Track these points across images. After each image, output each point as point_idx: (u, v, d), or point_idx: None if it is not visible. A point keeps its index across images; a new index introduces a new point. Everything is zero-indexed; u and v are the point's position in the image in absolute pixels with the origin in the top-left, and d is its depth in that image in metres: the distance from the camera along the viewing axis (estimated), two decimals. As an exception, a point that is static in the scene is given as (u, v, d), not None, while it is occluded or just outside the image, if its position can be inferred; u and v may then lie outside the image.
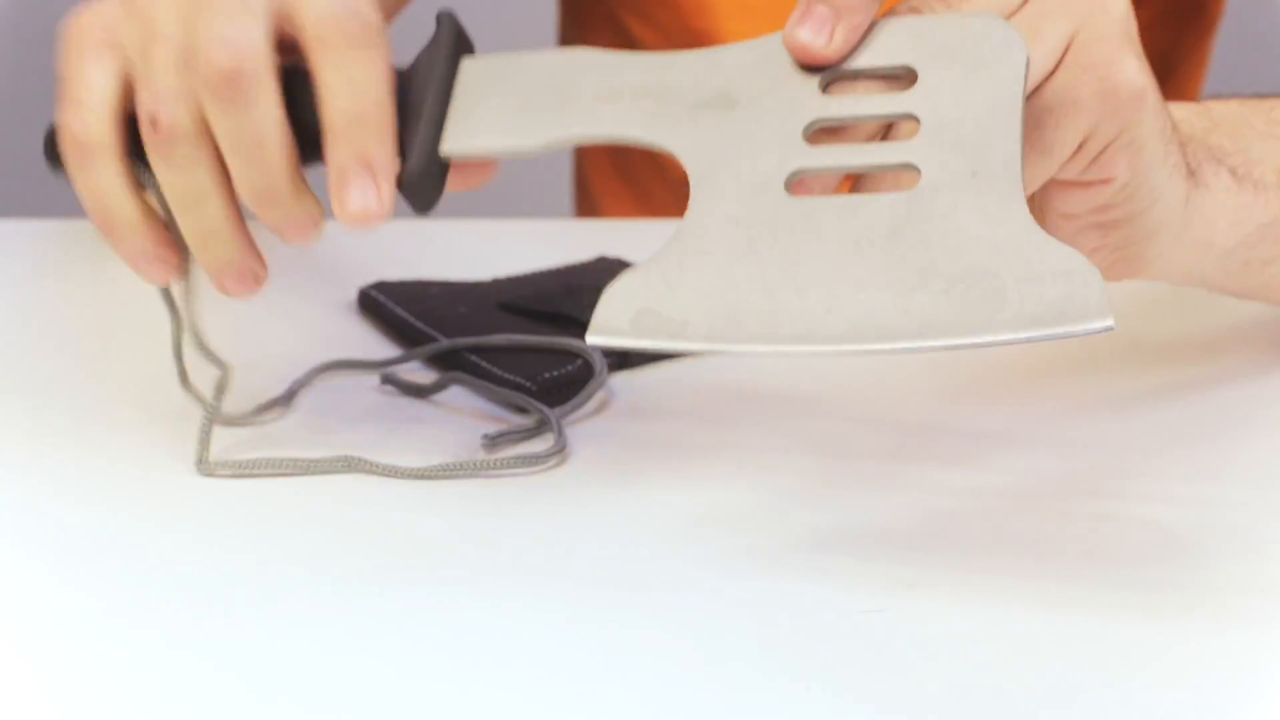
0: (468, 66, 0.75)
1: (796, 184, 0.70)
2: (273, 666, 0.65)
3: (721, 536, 0.72)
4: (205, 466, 0.77)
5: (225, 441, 0.80)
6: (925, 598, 0.68)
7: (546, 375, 0.84)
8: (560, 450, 0.78)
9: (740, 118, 0.71)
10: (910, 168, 0.68)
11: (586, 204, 1.31)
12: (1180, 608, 0.68)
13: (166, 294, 0.79)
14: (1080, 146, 0.73)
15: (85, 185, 0.74)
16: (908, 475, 0.77)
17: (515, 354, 0.86)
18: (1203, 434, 0.82)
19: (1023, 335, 0.65)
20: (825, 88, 0.71)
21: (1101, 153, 0.73)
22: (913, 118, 0.69)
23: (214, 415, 0.79)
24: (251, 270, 0.74)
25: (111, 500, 0.76)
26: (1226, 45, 1.27)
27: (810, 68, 0.71)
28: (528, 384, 0.84)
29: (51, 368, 0.88)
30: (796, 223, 0.68)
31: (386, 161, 0.72)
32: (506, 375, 0.84)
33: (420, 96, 0.74)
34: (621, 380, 0.86)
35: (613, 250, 0.98)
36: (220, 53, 0.70)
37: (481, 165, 0.75)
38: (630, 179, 1.24)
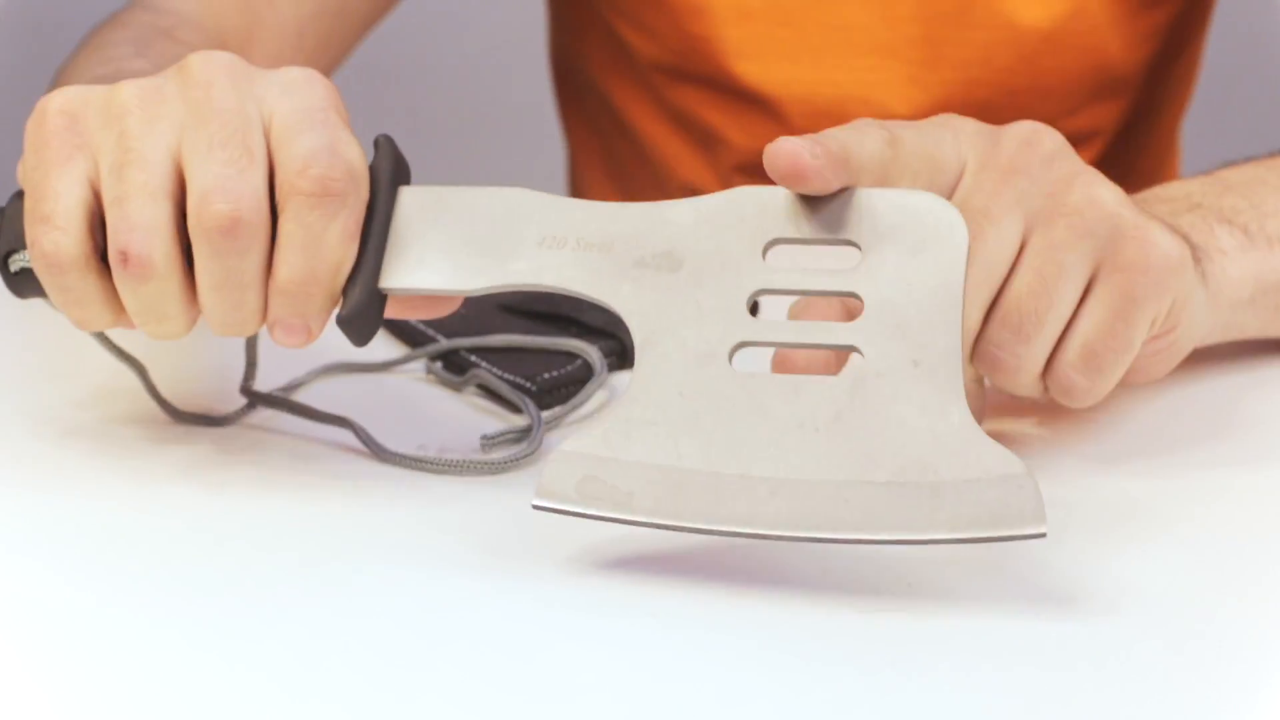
0: (406, 198, 0.74)
1: (777, 362, 0.72)
2: (257, 650, 0.65)
3: (712, 538, 0.72)
4: (247, 389, 0.81)
5: (223, 436, 0.80)
6: (925, 598, 0.68)
7: (546, 375, 0.84)
8: (530, 455, 0.78)
9: (685, 281, 0.71)
10: (853, 349, 0.69)
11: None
12: (1178, 603, 0.68)
13: (120, 351, 0.80)
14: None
15: (60, 298, 0.73)
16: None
17: (515, 354, 0.86)
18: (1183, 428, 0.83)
19: (957, 536, 0.66)
20: (766, 254, 0.71)
21: (1165, 319, 0.77)
22: (855, 296, 0.70)
23: (255, 341, 0.81)
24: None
25: (101, 496, 0.76)
26: (1227, 45, 1.27)
27: (754, 234, 0.71)
28: (528, 384, 0.84)
29: (46, 366, 0.88)
30: (741, 399, 0.69)
31: (323, 318, 0.73)
32: (506, 376, 0.85)
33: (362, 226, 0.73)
34: (621, 380, 0.86)
35: (611, 252, 0.98)
36: (223, 202, 0.70)
37: (443, 298, 0.75)
38: (624, 184, 1.24)
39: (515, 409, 0.83)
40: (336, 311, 0.73)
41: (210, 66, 0.72)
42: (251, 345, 0.81)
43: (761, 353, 0.72)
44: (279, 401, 0.82)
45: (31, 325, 0.92)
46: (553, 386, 0.84)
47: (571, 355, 0.86)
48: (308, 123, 0.71)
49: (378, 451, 0.78)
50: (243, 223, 0.70)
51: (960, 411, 0.67)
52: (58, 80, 0.96)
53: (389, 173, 0.74)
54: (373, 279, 0.72)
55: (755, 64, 1.14)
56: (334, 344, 0.89)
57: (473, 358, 0.86)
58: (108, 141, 0.72)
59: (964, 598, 0.68)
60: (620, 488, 0.68)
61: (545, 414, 0.82)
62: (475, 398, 0.85)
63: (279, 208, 0.71)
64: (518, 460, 0.78)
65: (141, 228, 0.70)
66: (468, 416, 0.83)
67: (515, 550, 0.71)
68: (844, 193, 0.71)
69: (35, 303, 0.76)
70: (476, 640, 0.66)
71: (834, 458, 0.67)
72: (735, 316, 0.70)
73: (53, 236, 0.71)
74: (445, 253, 0.73)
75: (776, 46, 1.14)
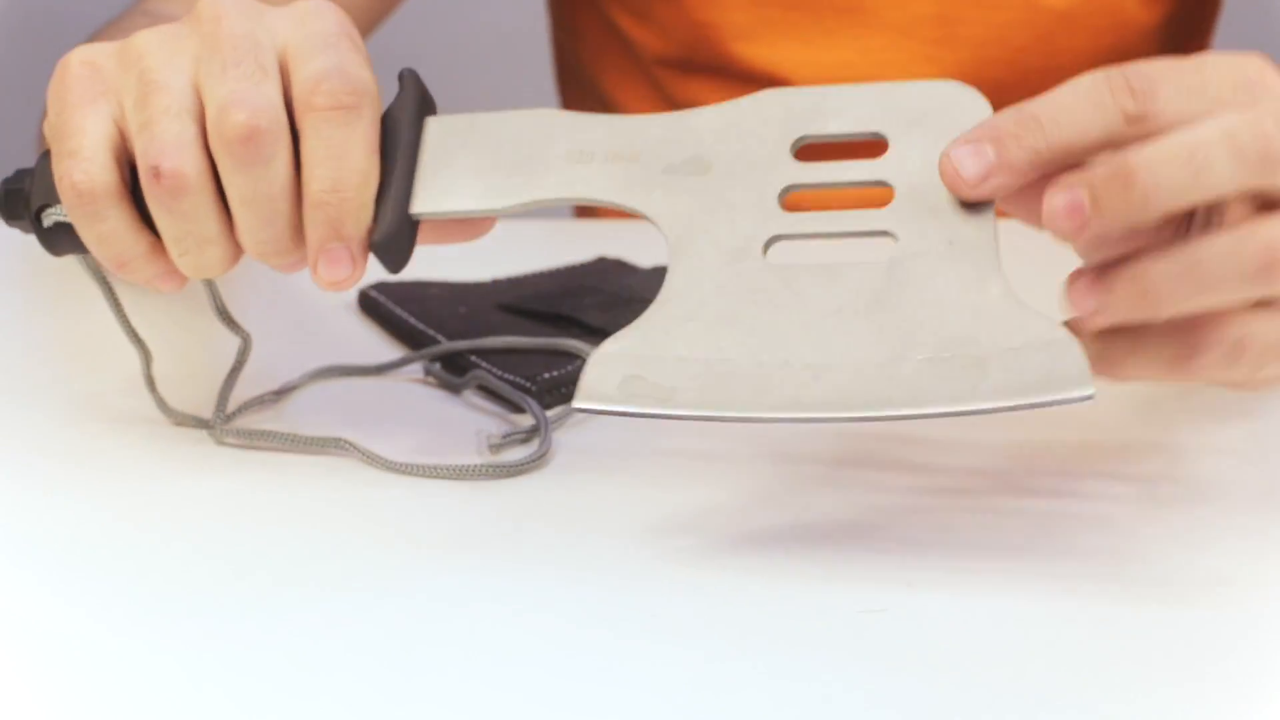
0: (433, 126, 0.75)
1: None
2: (260, 662, 0.65)
3: (717, 537, 0.72)
4: (217, 432, 0.80)
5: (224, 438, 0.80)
6: (925, 598, 0.68)
7: (546, 375, 0.84)
8: (541, 456, 0.78)
9: (714, 183, 0.71)
10: (887, 235, 0.69)
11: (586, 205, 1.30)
12: (1175, 602, 0.68)
13: (133, 332, 0.80)
14: None
15: (94, 233, 0.74)
16: (903, 477, 0.77)
17: (515, 355, 0.86)
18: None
19: (1006, 404, 0.66)
20: (796, 152, 0.71)
21: None
22: (885, 184, 0.70)
23: (233, 381, 0.81)
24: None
25: (98, 500, 0.76)
26: (1228, 45, 1.27)
27: (781, 133, 0.71)
28: (528, 384, 0.84)
29: (46, 367, 0.88)
30: (778, 290, 0.69)
31: (361, 232, 0.73)
32: (506, 376, 0.84)
33: (389, 156, 0.73)
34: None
35: (612, 251, 0.98)
36: (241, 112, 0.71)
37: (476, 221, 0.75)
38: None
39: (516, 409, 0.83)
40: (371, 238, 0.73)
41: (220, 3, 0.74)
42: (226, 387, 0.81)
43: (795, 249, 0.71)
44: (257, 435, 0.80)
45: (33, 328, 0.92)
46: (553, 386, 0.84)
47: (571, 355, 0.86)
48: (319, 46, 0.73)
49: (382, 465, 0.78)
50: (261, 130, 0.71)
51: (999, 283, 0.68)
52: None
53: (414, 102, 0.74)
54: (403, 202, 0.73)
55: (767, 47, 1.14)
56: (332, 345, 0.89)
57: (472, 358, 0.86)
58: (129, 81, 0.73)
59: (963, 598, 0.68)
60: (663, 384, 0.68)
61: (548, 413, 0.82)
62: (475, 398, 0.85)
63: (299, 128, 0.72)
64: (533, 462, 0.78)
65: (170, 143, 0.72)
66: (468, 418, 0.83)
67: (520, 551, 0.71)
68: (868, 87, 0.71)
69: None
70: (484, 645, 0.66)
71: (875, 339, 0.68)
72: (767, 211, 0.70)
73: (82, 167, 0.73)
74: (475, 175, 0.73)
75: (789, 29, 1.14)
